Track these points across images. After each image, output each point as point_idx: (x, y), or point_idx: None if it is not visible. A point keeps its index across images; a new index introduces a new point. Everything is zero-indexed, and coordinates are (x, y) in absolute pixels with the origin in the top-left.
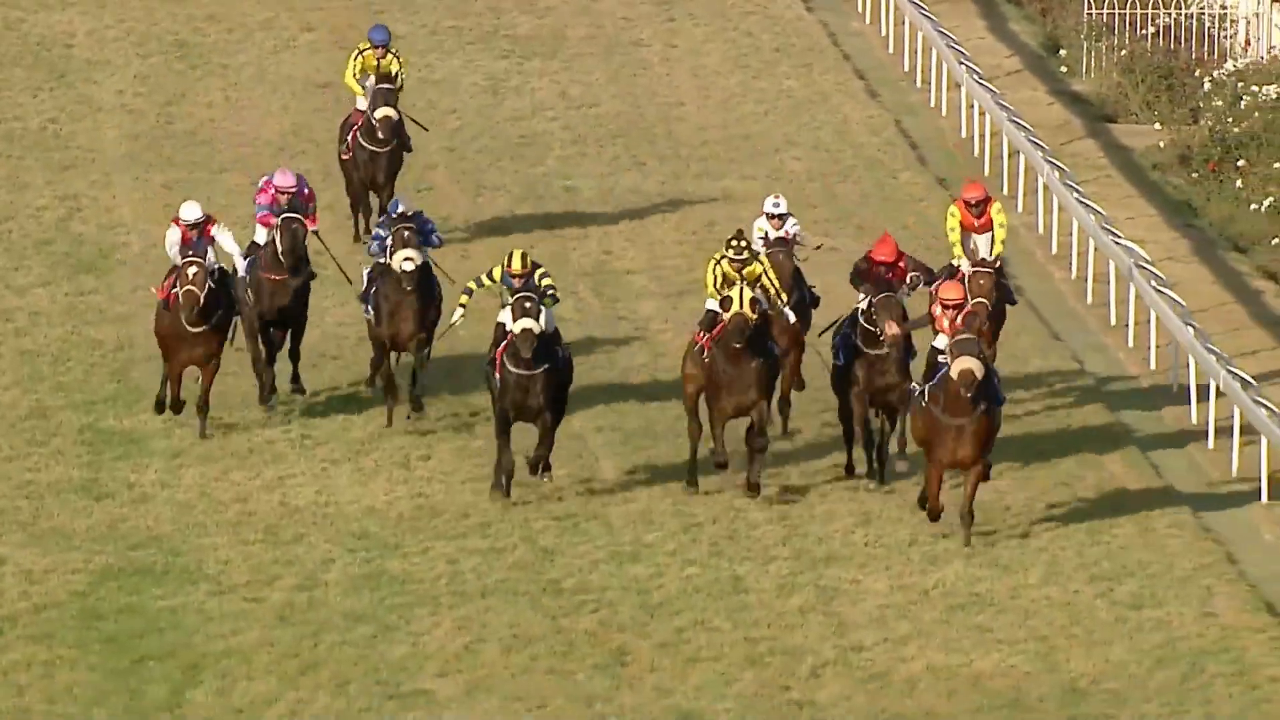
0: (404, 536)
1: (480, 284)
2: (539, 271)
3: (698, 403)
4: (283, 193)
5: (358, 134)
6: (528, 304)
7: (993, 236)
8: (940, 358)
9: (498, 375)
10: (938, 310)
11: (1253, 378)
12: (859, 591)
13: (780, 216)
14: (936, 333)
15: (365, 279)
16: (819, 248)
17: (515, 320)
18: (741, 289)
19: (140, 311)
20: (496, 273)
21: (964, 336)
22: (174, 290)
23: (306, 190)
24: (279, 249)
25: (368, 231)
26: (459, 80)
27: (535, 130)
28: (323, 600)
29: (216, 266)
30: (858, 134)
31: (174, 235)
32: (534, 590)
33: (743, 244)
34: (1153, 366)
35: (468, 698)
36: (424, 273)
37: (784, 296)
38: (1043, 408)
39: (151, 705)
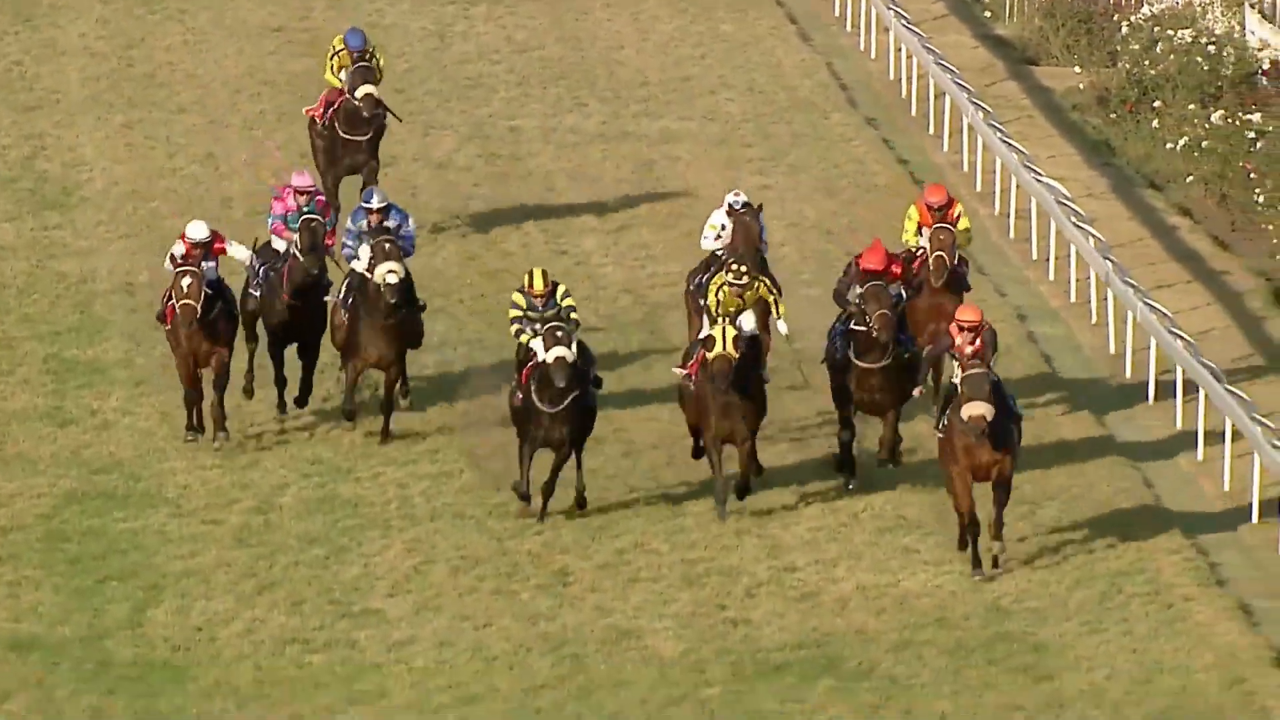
0: (356, 462)
1: (516, 308)
2: (560, 290)
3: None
4: (301, 193)
5: (335, 119)
6: (559, 333)
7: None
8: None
9: (520, 404)
10: (954, 329)
11: (1168, 310)
12: (792, 515)
13: (742, 210)
14: (954, 359)
15: (343, 287)
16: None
17: (548, 349)
18: (724, 329)
19: (100, 246)
20: (519, 299)
21: (973, 372)
22: (171, 304)
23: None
24: (299, 248)
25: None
26: (408, 26)
27: (481, 73)
28: (278, 523)
29: (216, 278)
30: (790, 76)
31: (178, 250)
32: (480, 514)
33: (742, 269)
34: (1072, 299)
35: (416, 616)
36: (407, 286)
37: (781, 310)
38: None
39: (113, 623)
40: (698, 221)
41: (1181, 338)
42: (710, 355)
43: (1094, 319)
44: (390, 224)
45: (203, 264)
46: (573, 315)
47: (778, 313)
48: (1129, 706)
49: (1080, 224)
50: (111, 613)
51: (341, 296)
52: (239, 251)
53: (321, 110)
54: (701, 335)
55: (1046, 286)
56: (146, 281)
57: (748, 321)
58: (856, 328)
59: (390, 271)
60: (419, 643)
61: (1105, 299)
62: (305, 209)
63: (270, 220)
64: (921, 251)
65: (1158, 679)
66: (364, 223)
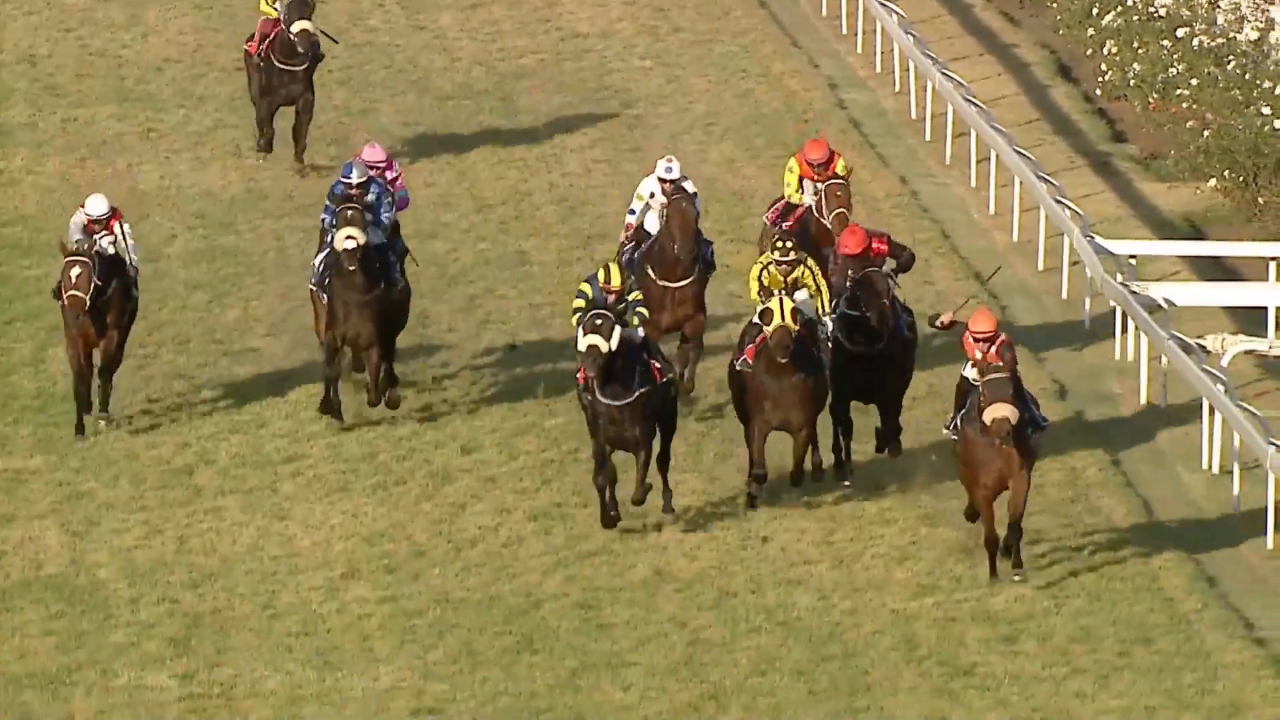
0: (236, 216)
1: (582, 297)
2: (634, 294)
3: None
4: (372, 167)
5: (271, 50)
6: (599, 320)
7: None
8: (971, 383)
9: (588, 401)
10: (970, 341)
11: (963, 80)
12: None
13: (673, 181)
14: (967, 361)
15: (319, 265)
16: None
17: (584, 335)
18: (781, 299)
19: (4, 22)
20: (586, 289)
21: (995, 376)
22: (59, 290)
23: (394, 170)
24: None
25: (267, 149)
26: None
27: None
28: (166, 271)
29: (110, 256)
30: None
31: (77, 221)
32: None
33: (788, 245)
34: (878, 70)
35: (291, 354)
36: (376, 259)
37: (827, 304)
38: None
39: (19, 360)
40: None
41: (975, 104)
42: (769, 328)
43: (898, 87)
44: (370, 197)
45: (99, 242)
46: (641, 309)
47: (821, 304)
48: None
49: (885, 3)
50: (17, 351)
51: (318, 277)
52: (127, 238)
53: (257, 43)
54: (757, 311)
55: (855, 59)
56: (47, 54)
57: (803, 299)
58: (850, 311)
59: (348, 237)
60: (293, 378)
61: (908, 69)
62: (352, 201)
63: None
64: (803, 207)
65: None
66: (344, 194)
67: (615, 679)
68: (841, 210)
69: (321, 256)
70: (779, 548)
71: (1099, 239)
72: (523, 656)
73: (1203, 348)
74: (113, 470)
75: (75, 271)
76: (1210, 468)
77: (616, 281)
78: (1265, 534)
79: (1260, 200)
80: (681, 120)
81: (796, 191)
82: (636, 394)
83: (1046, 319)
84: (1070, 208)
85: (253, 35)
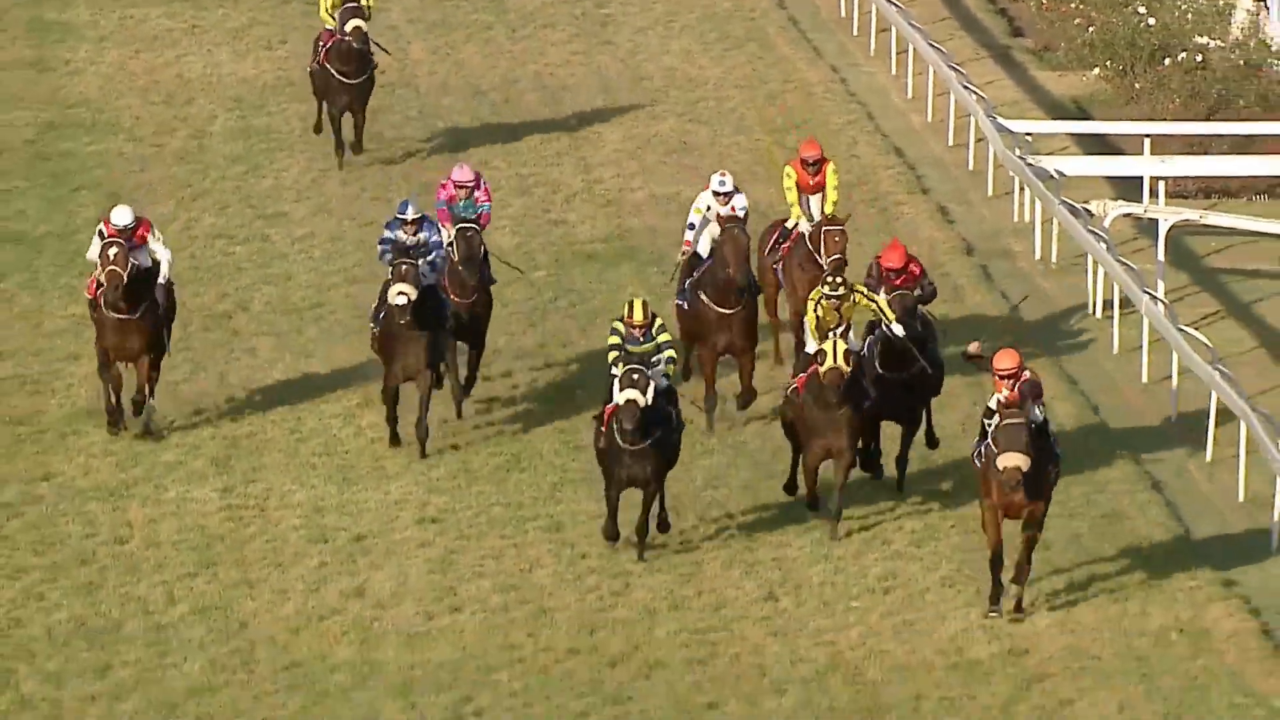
0: (268, 99)
1: (616, 335)
2: (658, 324)
3: (799, 445)
4: (460, 187)
5: (328, 57)
6: (635, 375)
7: (824, 197)
8: (987, 422)
9: (604, 440)
10: (996, 378)
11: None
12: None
13: (727, 194)
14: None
15: (378, 300)
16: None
17: (620, 390)
18: (835, 342)
19: None
20: (620, 328)
21: (1011, 422)
22: (98, 278)
23: (483, 189)
24: (455, 258)
25: (340, 149)
26: None
27: None
28: (209, 146)
29: (144, 266)
30: None
31: (98, 237)
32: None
33: (838, 280)
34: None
35: (314, 216)
36: (428, 301)
37: (890, 313)
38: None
39: (82, 223)
40: None
41: (895, 5)
42: (823, 369)
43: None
44: (424, 235)
45: (133, 252)
46: (669, 352)
47: (888, 318)
48: None
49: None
50: (81, 214)
51: (374, 310)
52: (160, 249)
53: (322, 54)
54: (810, 350)
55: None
56: None
57: (854, 340)
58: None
59: (400, 293)
60: (316, 237)
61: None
62: (462, 205)
63: (437, 207)
64: (795, 233)
65: None
66: (400, 233)
67: (590, 492)
68: (838, 257)
69: (379, 299)
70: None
71: (1000, 119)
72: (512, 474)
73: (1088, 211)
74: None
75: (114, 250)
76: (1094, 311)
77: (639, 317)
78: (1140, 369)
79: (1136, 86)
80: (645, 18)
81: (796, 202)
82: (651, 440)
83: (956, 187)
84: (976, 92)
85: (315, 46)
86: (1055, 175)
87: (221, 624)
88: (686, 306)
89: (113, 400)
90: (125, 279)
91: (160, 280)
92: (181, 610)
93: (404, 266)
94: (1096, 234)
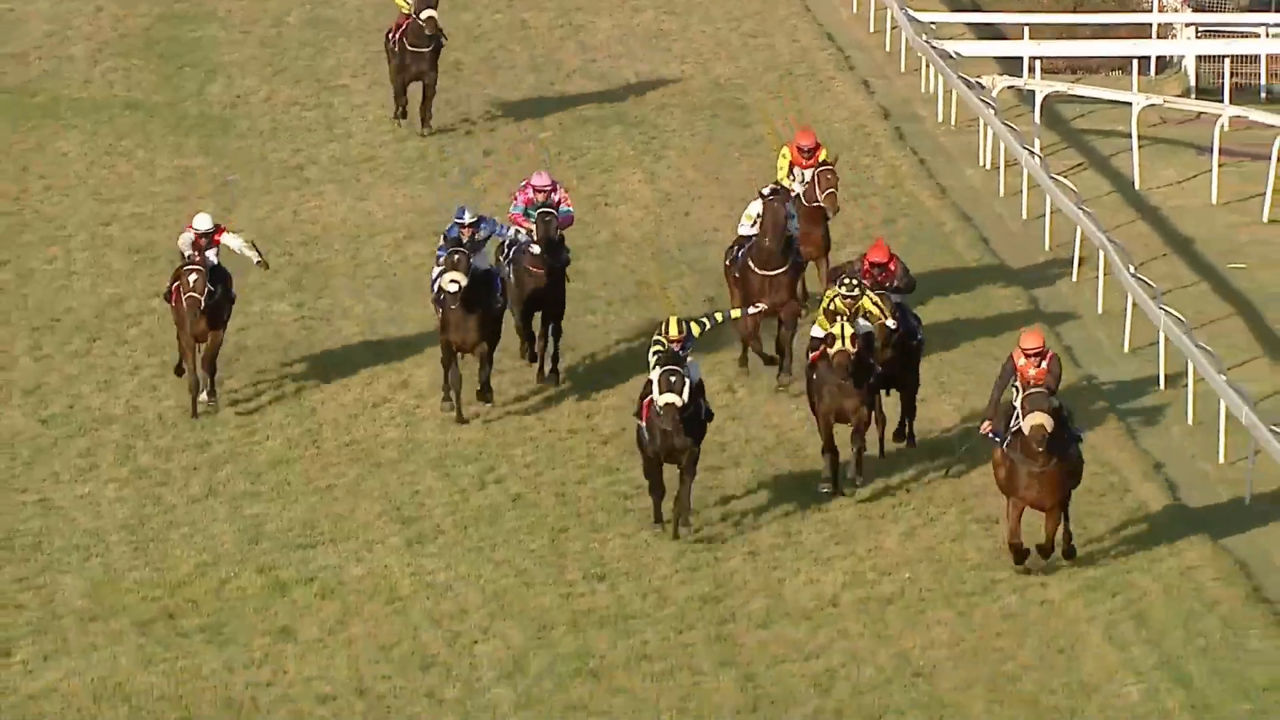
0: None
1: (659, 345)
2: (696, 332)
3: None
4: (539, 192)
5: (403, 36)
6: (673, 378)
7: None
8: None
9: (645, 430)
10: (1020, 361)
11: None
12: None
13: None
14: (1016, 387)
15: (434, 288)
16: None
17: (660, 394)
18: (843, 326)
19: None
20: (662, 341)
21: (1035, 390)
22: (178, 290)
23: (560, 192)
24: (535, 240)
25: (403, 115)
26: None
27: None
28: (285, 33)
29: (216, 264)
30: None
31: (186, 238)
32: None
33: (854, 283)
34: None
35: (368, 89)
36: (481, 285)
37: (888, 315)
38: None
39: (187, 93)
40: None
41: (987, 105)
42: (832, 350)
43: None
44: (481, 235)
45: (206, 254)
46: (717, 314)
47: (886, 312)
48: None
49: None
50: (185, 87)
51: (434, 296)
52: (234, 241)
53: (395, 32)
54: (821, 335)
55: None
56: None
57: (863, 324)
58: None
59: (451, 280)
60: (370, 105)
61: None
62: (543, 205)
63: (511, 210)
64: (792, 188)
65: None
66: (457, 235)
67: (587, 307)
68: (832, 190)
69: (436, 280)
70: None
71: (910, 11)
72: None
73: (980, 84)
74: (249, 167)
75: (193, 278)
76: (984, 164)
77: (675, 333)
78: (1020, 207)
79: None
80: None
81: (787, 175)
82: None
83: (875, 65)
84: None
85: (391, 26)
86: (954, 55)
87: (296, 410)
88: (738, 274)
89: (189, 375)
90: (203, 304)
91: (247, 253)
92: (265, 400)
93: (456, 256)
94: (986, 102)
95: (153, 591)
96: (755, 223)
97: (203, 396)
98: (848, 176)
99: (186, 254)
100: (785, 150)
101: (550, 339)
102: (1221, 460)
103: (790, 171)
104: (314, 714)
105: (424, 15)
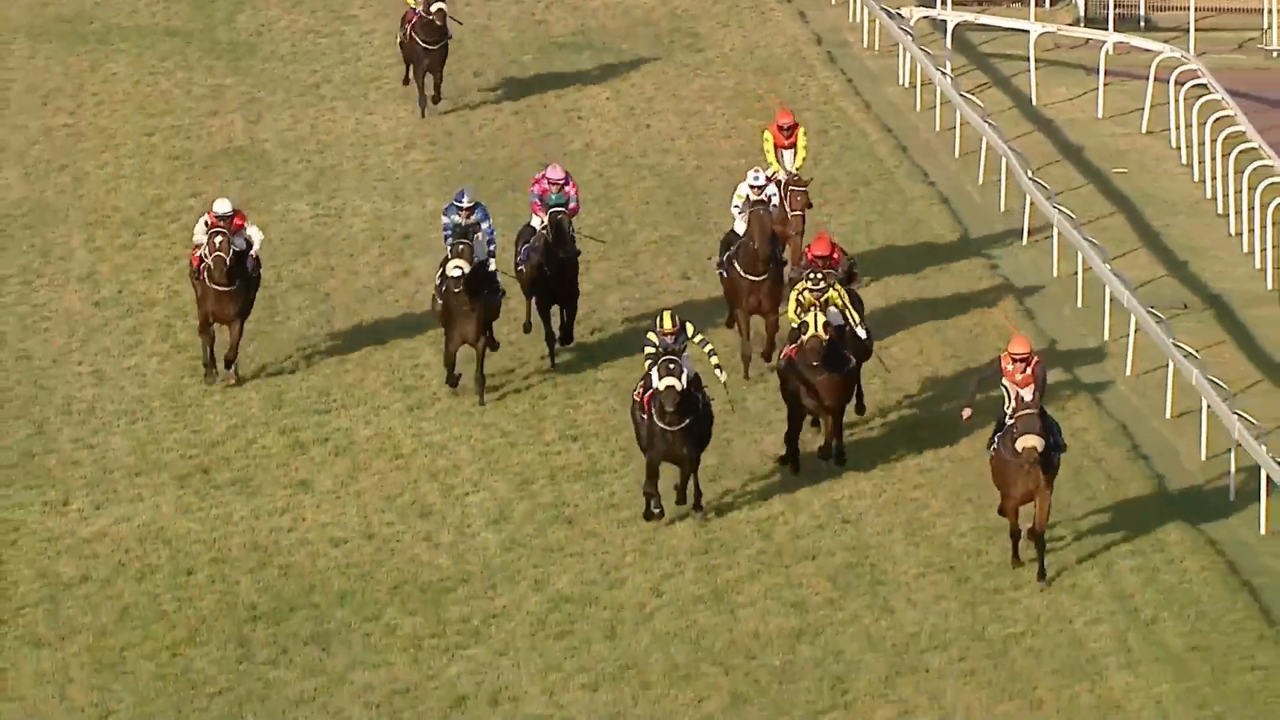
0: None
1: (650, 345)
2: (690, 328)
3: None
4: (552, 184)
5: (413, 30)
6: (671, 364)
7: (795, 153)
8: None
9: (645, 424)
10: (1008, 365)
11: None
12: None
13: (760, 187)
14: (1004, 388)
15: (438, 276)
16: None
17: (660, 379)
18: (815, 314)
19: None
20: (653, 338)
21: (1026, 413)
22: (202, 257)
23: (571, 185)
24: (548, 238)
25: (423, 102)
26: None
27: None
28: None
29: (238, 252)
30: None
31: (201, 228)
32: None
33: (819, 277)
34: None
35: (375, 19)
36: (480, 276)
37: (857, 318)
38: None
39: (217, 20)
40: None
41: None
42: (805, 338)
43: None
44: (477, 217)
45: (233, 238)
46: (708, 347)
47: (854, 321)
48: None
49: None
50: (217, 15)
51: (437, 283)
52: (254, 232)
53: (409, 27)
54: (795, 326)
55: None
56: None
57: (833, 314)
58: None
59: (456, 266)
60: (377, 32)
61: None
62: (554, 197)
63: (530, 198)
64: (779, 172)
65: None
66: (457, 217)
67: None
68: (800, 213)
69: (441, 268)
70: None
71: None
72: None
73: (899, 14)
74: (272, 86)
75: (219, 239)
76: (903, 83)
77: (669, 325)
78: (934, 120)
79: None
80: None
81: (775, 158)
82: (688, 420)
83: None
84: None
85: (402, 22)
86: None
87: (312, 295)
88: (725, 275)
89: (209, 355)
90: (228, 263)
91: (252, 253)
92: (285, 286)
93: (461, 245)
94: (905, 30)
95: (190, 450)
96: (743, 210)
97: (225, 371)
98: (786, 93)
99: (198, 238)
100: (768, 134)
101: (564, 319)
102: (1106, 337)
103: (776, 154)
104: (328, 555)
105: (434, 8)
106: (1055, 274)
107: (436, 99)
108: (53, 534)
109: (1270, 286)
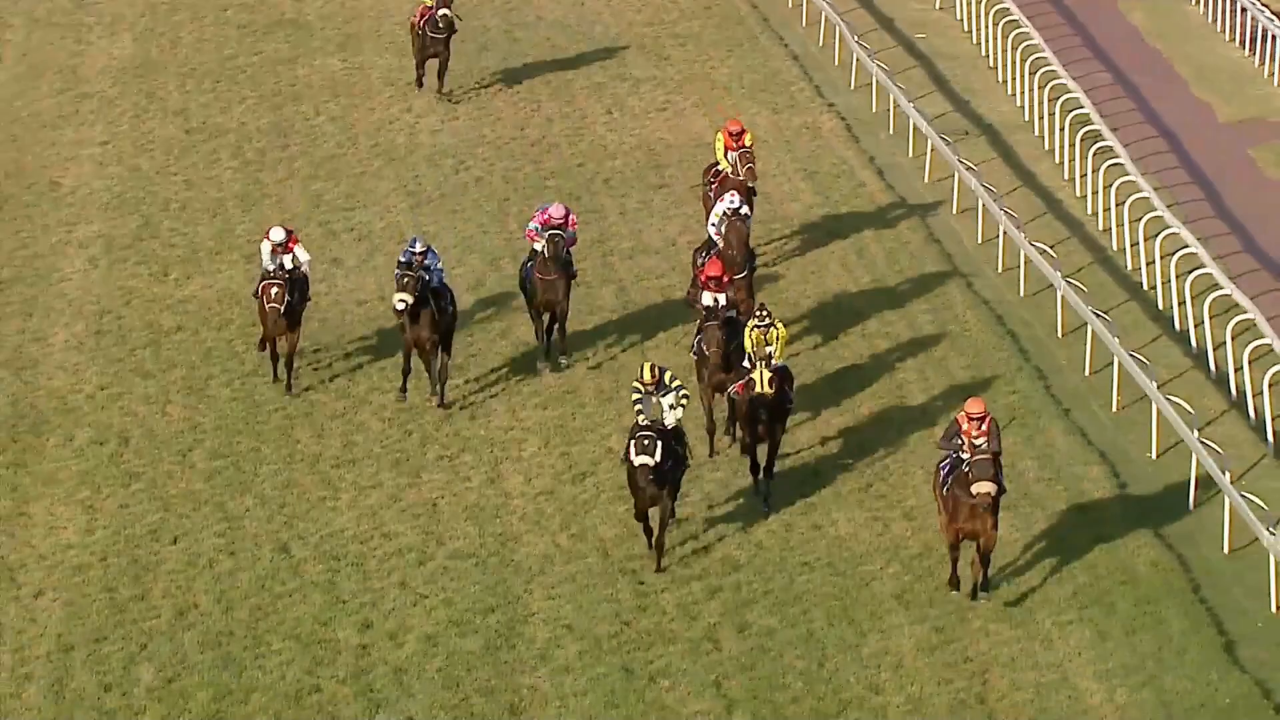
0: None
1: (637, 392)
2: (669, 376)
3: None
4: (555, 219)
5: (425, 24)
6: (646, 442)
7: (741, 152)
8: (953, 455)
9: (633, 475)
10: (965, 425)
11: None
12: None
13: (735, 209)
14: (960, 441)
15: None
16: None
17: (636, 455)
18: (761, 371)
19: None
20: (639, 386)
21: (982, 458)
22: (260, 299)
23: (571, 221)
24: (545, 256)
25: (420, 84)
26: None
27: None
28: None
29: (291, 270)
30: None
31: (266, 248)
32: None
33: (764, 313)
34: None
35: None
36: (426, 299)
37: (782, 350)
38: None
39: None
40: None
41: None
42: (752, 394)
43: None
44: (429, 261)
45: (283, 260)
46: (683, 393)
47: (779, 349)
48: None
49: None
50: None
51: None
52: (302, 254)
53: (418, 19)
54: (746, 365)
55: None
56: None
57: (777, 359)
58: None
59: (400, 299)
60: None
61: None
62: (552, 228)
63: (528, 227)
64: (724, 173)
65: None
66: (409, 259)
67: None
68: (750, 167)
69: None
70: None
71: None
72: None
73: None
74: (300, 50)
75: (274, 290)
76: (817, 43)
77: (649, 377)
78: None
79: None
80: None
81: (723, 157)
82: (667, 468)
83: None
84: None
85: (414, 13)
86: None
87: (338, 126)
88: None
89: (273, 366)
90: (281, 311)
91: (301, 269)
92: (322, 119)
93: (405, 279)
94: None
95: (255, 234)
96: (721, 220)
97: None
98: (727, 37)
99: (266, 263)
100: (719, 135)
101: (557, 335)
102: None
103: (724, 153)
104: (354, 314)
105: (440, 12)
106: (874, 111)
107: (441, 88)
108: (156, 296)
109: (1025, 118)
